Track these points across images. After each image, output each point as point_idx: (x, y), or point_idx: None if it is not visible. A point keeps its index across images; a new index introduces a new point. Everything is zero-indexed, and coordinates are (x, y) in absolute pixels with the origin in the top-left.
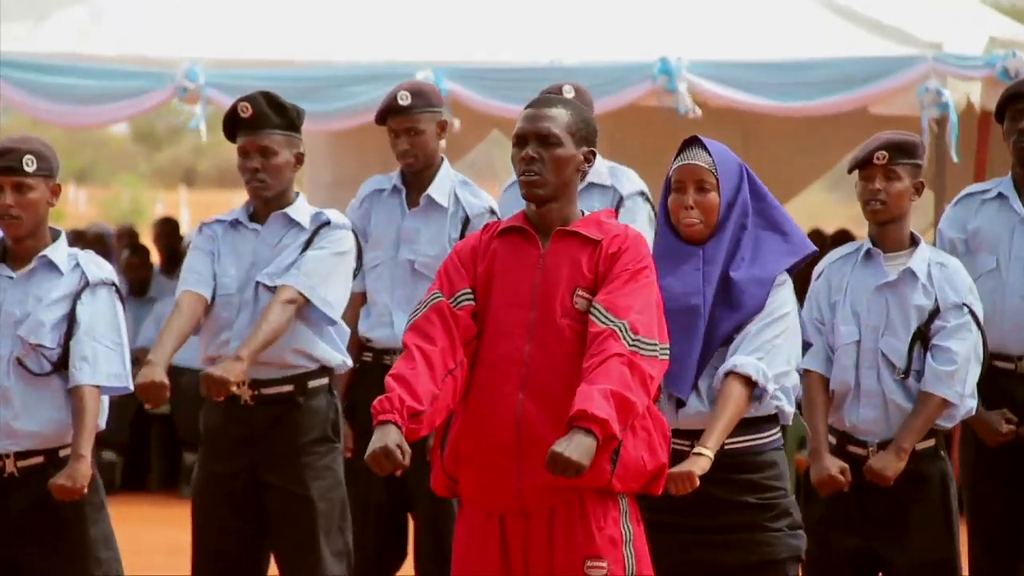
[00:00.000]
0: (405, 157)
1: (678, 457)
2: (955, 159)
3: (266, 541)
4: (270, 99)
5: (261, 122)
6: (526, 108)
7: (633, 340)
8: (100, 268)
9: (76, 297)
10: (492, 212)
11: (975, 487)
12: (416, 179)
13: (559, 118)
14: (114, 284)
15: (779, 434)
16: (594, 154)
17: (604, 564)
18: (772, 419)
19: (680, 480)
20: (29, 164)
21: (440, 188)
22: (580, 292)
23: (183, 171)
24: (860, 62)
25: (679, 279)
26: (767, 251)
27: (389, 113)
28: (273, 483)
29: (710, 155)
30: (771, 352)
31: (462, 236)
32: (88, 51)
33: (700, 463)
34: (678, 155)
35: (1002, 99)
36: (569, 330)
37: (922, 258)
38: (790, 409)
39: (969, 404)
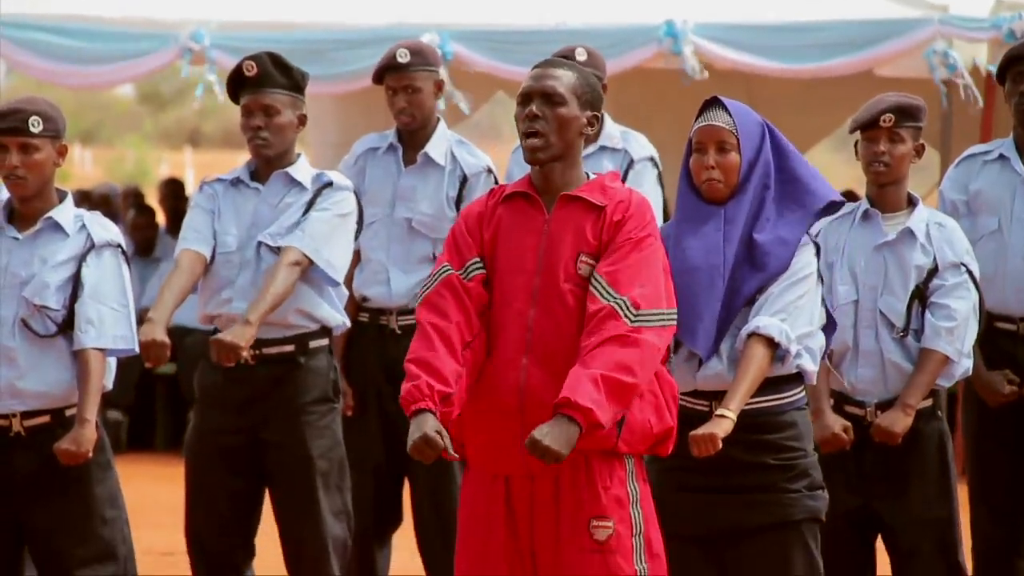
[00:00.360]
0: (402, 115)
1: (698, 418)
2: (981, 103)
3: (261, 499)
4: (275, 59)
5: (265, 81)
6: (533, 68)
7: (635, 316)
8: (106, 229)
9: (82, 259)
10: (490, 171)
11: (978, 450)
12: (412, 138)
13: (564, 78)
14: (119, 246)
15: (802, 393)
16: (598, 118)
17: (610, 523)
18: (794, 378)
19: (703, 442)
20: (35, 125)
21: (437, 146)
22: (584, 258)
23: (188, 132)
24: (866, 24)
25: (700, 239)
26: (791, 210)
27: (387, 71)
28: (274, 442)
29: (730, 115)
30: (794, 313)
31: (459, 195)
32: (93, 12)
33: (723, 425)
34: (699, 116)
35: (1003, 61)
36: (573, 295)
37: (920, 218)
38: (813, 368)
39: (966, 364)
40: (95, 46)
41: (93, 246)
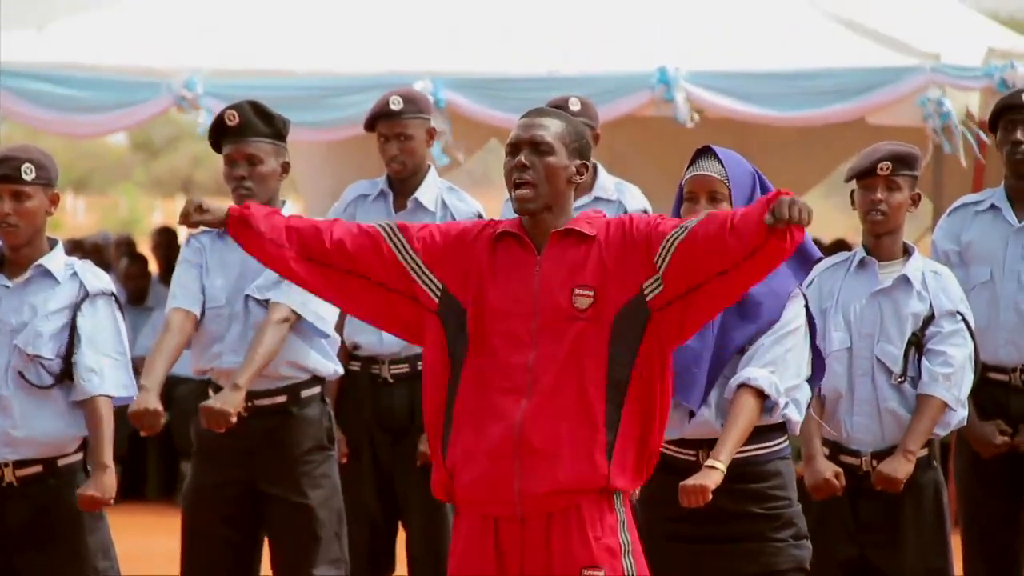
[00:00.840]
0: (394, 163)
1: (684, 467)
2: (963, 161)
3: (259, 550)
4: (257, 108)
5: (248, 130)
6: (521, 118)
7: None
8: (98, 278)
9: (76, 308)
10: (480, 217)
11: (970, 498)
12: (403, 185)
13: (553, 127)
14: (113, 294)
15: (786, 443)
16: (587, 167)
17: (602, 573)
18: (778, 428)
19: (693, 493)
20: (28, 172)
21: (428, 192)
22: (579, 291)
23: (181, 180)
24: (858, 72)
25: None
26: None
27: (380, 118)
28: (272, 494)
29: (722, 165)
30: (782, 366)
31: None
32: (87, 61)
33: (713, 477)
34: (690, 165)
35: (996, 110)
36: (571, 332)
37: (916, 266)
38: (799, 419)
39: (962, 412)
40: (88, 94)
41: (87, 295)
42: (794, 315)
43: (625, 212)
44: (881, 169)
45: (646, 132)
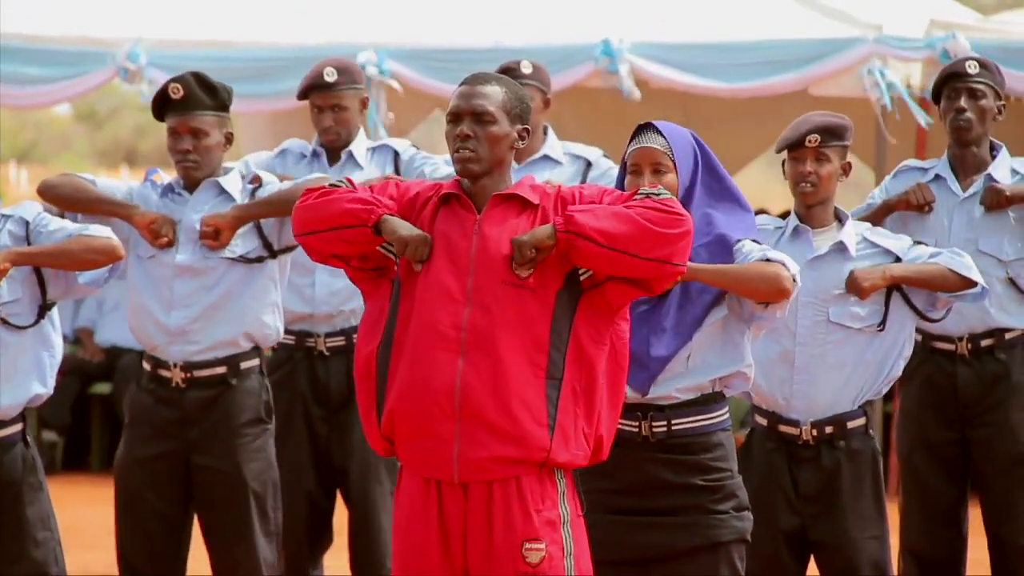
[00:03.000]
0: (328, 133)
1: (627, 438)
2: (922, 121)
3: (190, 522)
4: (201, 80)
5: (192, 103)
6: (460, 85)
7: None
8: (29, 206)
9: (25, 241)
10: (415, 147)
11: (912, 468)
12: (335, 154)
13: (494, 96)
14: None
15: (727, 414)
16: (527, 132)
17: (543, 546)
18: (719, 398)
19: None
20: None
21: (359, 147)
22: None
23: (124, 151)
24: (801, 43)
25: None
26: (724, 228)
27: (313, 89)
28: (207, 465)
29: (665, 138)
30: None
31: (396, 168)
32: (30, 31)
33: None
34: (632, 139)
35: (939, 78)
36: (510, 295)
37: (850, 231)
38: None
39: (979, 289)
40: (32, 66)
41: (27, 223)
42: (746, 245)
43: (589, 163)
44: (809, 141)
45: (591, 103)
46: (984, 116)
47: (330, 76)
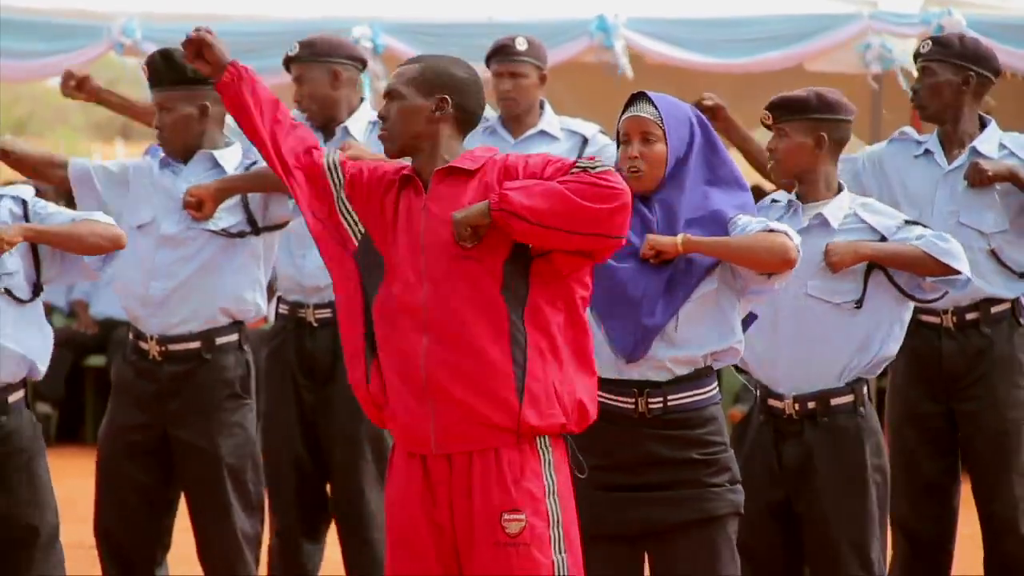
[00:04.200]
0: (299, 107)
1: (621, 415)
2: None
3: (174, 495)
4: (165, 56)
5: (157, 80)
6: None
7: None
8: (23, 188)
9: (24, 219)
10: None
11: (902, 445)
12: (327, 129)
13: (405, 73)
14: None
15: (716, 388)
16: (447, 101)
17: (522, 516)
18: (710, 372)
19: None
20: None
21: (355, 123)
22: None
23: (120, 124)
24: (796, 19)
25: (632, 229)
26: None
27: (287, 61)
28: (182, 439)
29: (656, 108)
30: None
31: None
32: (24, 4)
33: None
34: (624, 109)
35: (914, 56)
36: (460, 271)
37: (838, 205)
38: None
39: (965, 278)
40: (26, 39)
41: (25, 203)
42: (742, 218)
43: (586, 139)
44: (763, 119)
45: (586, 78)
46: (939, 92)
47: (292, 50)
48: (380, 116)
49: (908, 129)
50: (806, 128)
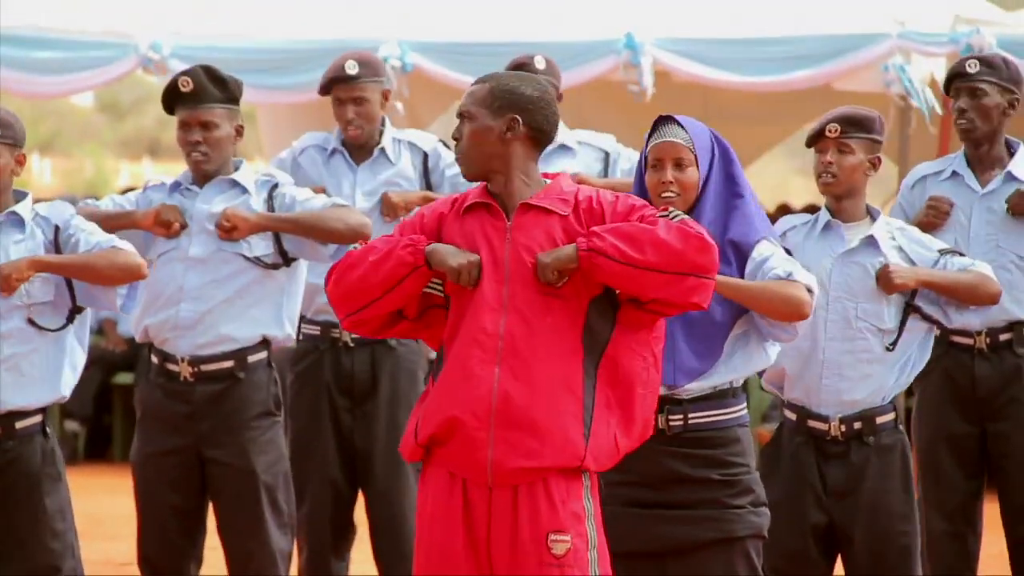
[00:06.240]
0: (351, 127)
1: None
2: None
3: (205, 514)
4: (210, 73)
5: (202, 96)
6: None
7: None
8: (61, 209)
9: (54, 245)
10: (443, 143)
11: (931, 465)
12: (360, 148)
13: (477, 94)
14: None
15: (744, 410)
16: (517, 120)
17: (568, 538)
18: (737, 393)
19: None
20: None
21: (388, 142)
22: None
23: (147, 142)
24: (824, 39)
25: None
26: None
27: (336, 82)
28: (217, 459)
29: (686, 132)
30: (790, 265)
31: (425, 169)
32: (54, 23)
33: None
34: (652, 133)
35: (946, 79)
36: (544, 303)
37: (881, 227)
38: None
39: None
40: (54, 55)
41: (57, 228)
42: (764, 248)
43: (608, 154)
44: (830, 132)
45: (612, 96)
46: (988, 114)
47: (351, 69)
48: (453, 137)
49: (920, 168)
50: (868, 147)
